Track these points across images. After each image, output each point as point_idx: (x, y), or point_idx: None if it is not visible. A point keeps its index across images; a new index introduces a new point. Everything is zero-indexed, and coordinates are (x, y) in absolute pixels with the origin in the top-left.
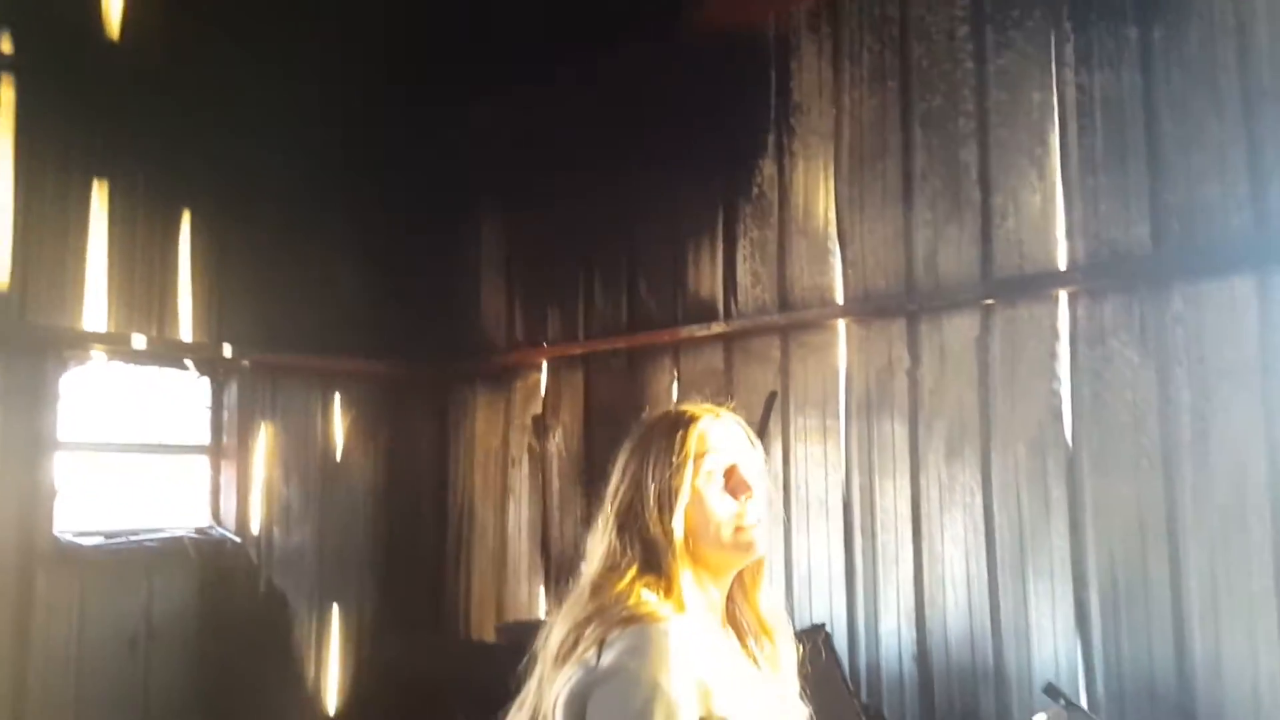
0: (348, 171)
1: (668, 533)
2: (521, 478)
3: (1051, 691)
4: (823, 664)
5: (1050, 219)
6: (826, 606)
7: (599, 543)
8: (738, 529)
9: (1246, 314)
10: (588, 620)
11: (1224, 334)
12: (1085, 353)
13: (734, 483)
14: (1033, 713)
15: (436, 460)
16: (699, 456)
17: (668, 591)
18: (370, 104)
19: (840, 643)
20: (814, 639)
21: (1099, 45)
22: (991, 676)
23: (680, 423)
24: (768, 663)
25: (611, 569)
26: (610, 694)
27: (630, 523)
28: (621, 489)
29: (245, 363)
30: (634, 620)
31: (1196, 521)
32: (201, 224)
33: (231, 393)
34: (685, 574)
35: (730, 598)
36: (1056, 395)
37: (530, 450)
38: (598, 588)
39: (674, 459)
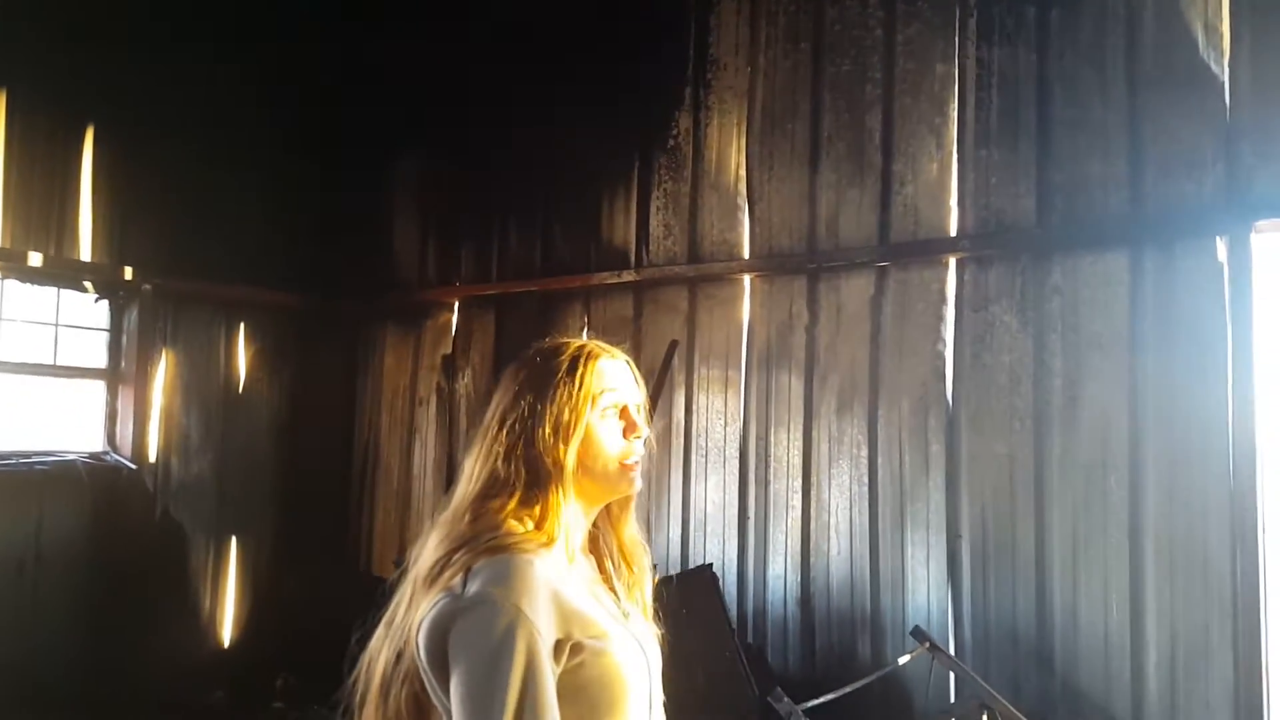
0: (263, 100)
1: (559, 462)
2: (429, 417)
3: (918, 634)
4: (707, 602)
5: (945, 188)
6: (720, 550)
7: (480, 465)
8: (623, 465)
9: (1119, 288)
10: (458, 546)
11: (1097, 306)
12: (969, 317)
13: (626, 422)
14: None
15: (343, 396)
16: (598, 393)
17: (543, 520)
18: (289, 34)
19: (730, 587)
20: (700, 577)
21: (999, 22)
22: (869, 621)
23: (580, 357)
24: (625, 589)
25: (491, 493)
26: (473, 621)
27: (520, 449)
28: (514, 415)
29: (147, 286)
30: (499, 550)
31: (1062, 480)
32: (106, 141)
33: (131, 317)
34: (564, 504)
35: (595, 526)
36: (940, 356)
37: (439, 389)
38: (476, 513)
39: (575, 392)
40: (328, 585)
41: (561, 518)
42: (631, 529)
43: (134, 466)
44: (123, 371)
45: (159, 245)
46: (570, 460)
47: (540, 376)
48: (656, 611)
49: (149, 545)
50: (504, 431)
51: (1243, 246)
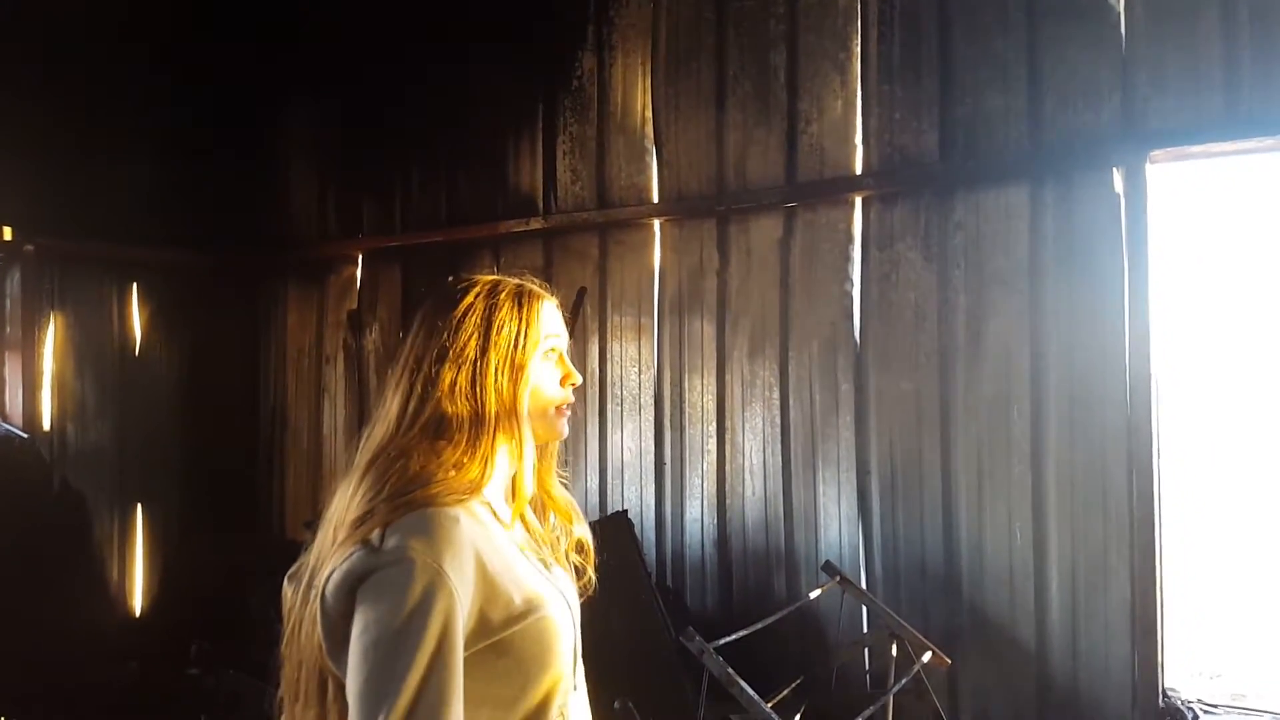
0: (146, 46)
1: (509, 404)
2: (337, 375)
3: (828, 569)
4: (622, 548)
5: (850, 125)
6: (638, 497)
7: (411, 402)
8: (558, 410)
9: (1019, 222)
10: (381, 494)
11: (998, 241)
12: (875, 255)
13: (565, 368)
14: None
15: (246, 356)
16: (543, 336)
17: (479, 461)
18: None
19: (650, 533)
20: (615, 523)
21: None
22: (783, 559)
23: (524, 295)
24: (547, 539)
25: (424, 433)
26: (391, 577)
27: (461, 387)
28: (458, 351)
29: (29, 247)
30: (423, 504)
31: (966, 414)
32: None
33: (14, 280)
34: (502, 446)
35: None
36: (848, 295)
37: (345, 346)
38: (404, 456)
39: (526, 331)
40: (239, 550)
41: (496, 461)
42: (555, 477)
43: (26, 435)
44: (8, 337)
45: (41, 205)
46: (523, 402)
47: (485, 313)
48: (591, 558)
49: (49, 517)
50: (444, 368)
51: (1138, 177)
